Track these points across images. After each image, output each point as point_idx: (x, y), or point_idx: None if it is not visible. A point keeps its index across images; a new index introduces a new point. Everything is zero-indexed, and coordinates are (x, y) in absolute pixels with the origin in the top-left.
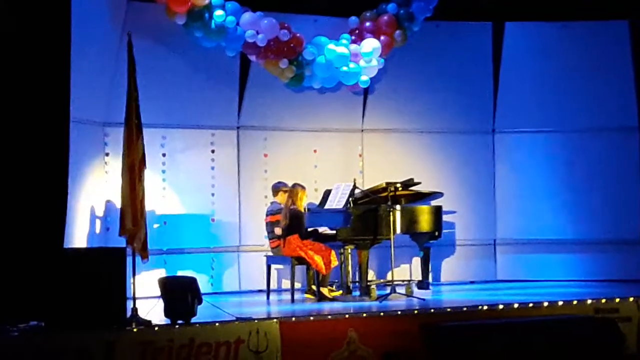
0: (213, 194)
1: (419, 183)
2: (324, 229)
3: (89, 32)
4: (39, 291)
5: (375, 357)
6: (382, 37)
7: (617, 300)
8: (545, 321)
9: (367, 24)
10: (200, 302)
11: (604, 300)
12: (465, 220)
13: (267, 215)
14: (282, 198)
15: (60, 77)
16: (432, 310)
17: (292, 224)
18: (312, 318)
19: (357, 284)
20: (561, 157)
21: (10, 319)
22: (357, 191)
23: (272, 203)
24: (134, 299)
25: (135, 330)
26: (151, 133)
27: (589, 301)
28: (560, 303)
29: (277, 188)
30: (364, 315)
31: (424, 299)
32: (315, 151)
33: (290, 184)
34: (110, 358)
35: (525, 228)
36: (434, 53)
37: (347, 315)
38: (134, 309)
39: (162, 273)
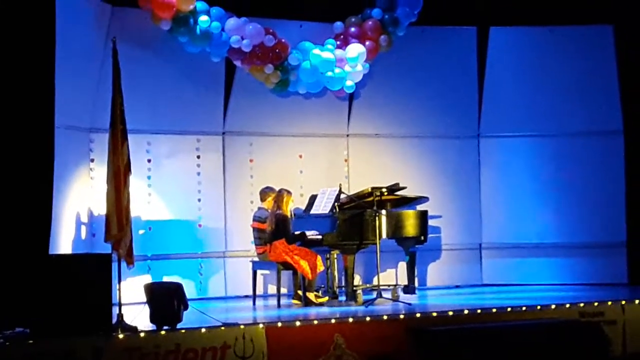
0: (199, 200)
1: (404, 188)
2: (311, 233)
3: (74, 38)
4: (24, 298)
5: None
6: (367, 42)
7: (603, 303)
8: (530, 325)
9: (352, 29)
10: (186, 307)
11: (589, 304)
12: (450, 225)
13: (253, 220)
14: (269, 203)
15: (45, 83)
16: (418, 315)
17: (278, 228)
18: (298, 323)
19: (343, 289)
20: (546, 161)
21: None
22: (342, 196)
23: (259, 208)
24: (120, 305)
25: (121, 336)
26: (136, 139)
27: (574, 305)
28: (546, 307)
29: (265, 193)
30: (350, 320)
31: (410, 304)
32: (300, 156)
33: (277, 189)
34: None
35: (511, 232)
36: (419, 58)
37: (333, 321)
38: (120, 315)
39: (148, 279)
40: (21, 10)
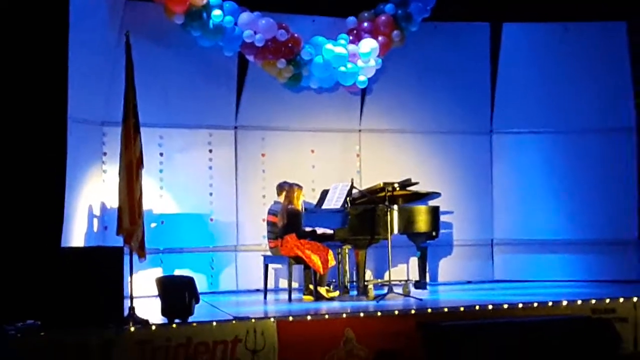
0: (211, 194)
1: (416, 183)
2: (322, 230)
3: (87, 32)
4: (36, 290)
5: (372, 356)
6: (380, 38)
7: (614, 300)
8: (541, 321)
9: (365, 24)
10: (197, 301)
11: (600, 301)
12: (462, 221)
13: (268, 213)
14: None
15: (58, 76)
16: (429, 310)
17: (289, 222)
18: (309, 317)
19: (354, 283)
20: (558, 158)
21: (7, 317)
22: (354, 191)
23: (275, 202)
24: (132, 298)
25: (132, 329)
26: (149, 132)
27: (586, 301)
28: (557, 303)
29: (281, 187)
30: (361, 314)
31: (421, 299)
32: (312, 151)
33: (293, 184)
34: (107, 357)
35: (523, 228)
36: (431, 54)
37: (344, 315)
38: (132, 308)
39: (159, 272)
40: (34, 3)
